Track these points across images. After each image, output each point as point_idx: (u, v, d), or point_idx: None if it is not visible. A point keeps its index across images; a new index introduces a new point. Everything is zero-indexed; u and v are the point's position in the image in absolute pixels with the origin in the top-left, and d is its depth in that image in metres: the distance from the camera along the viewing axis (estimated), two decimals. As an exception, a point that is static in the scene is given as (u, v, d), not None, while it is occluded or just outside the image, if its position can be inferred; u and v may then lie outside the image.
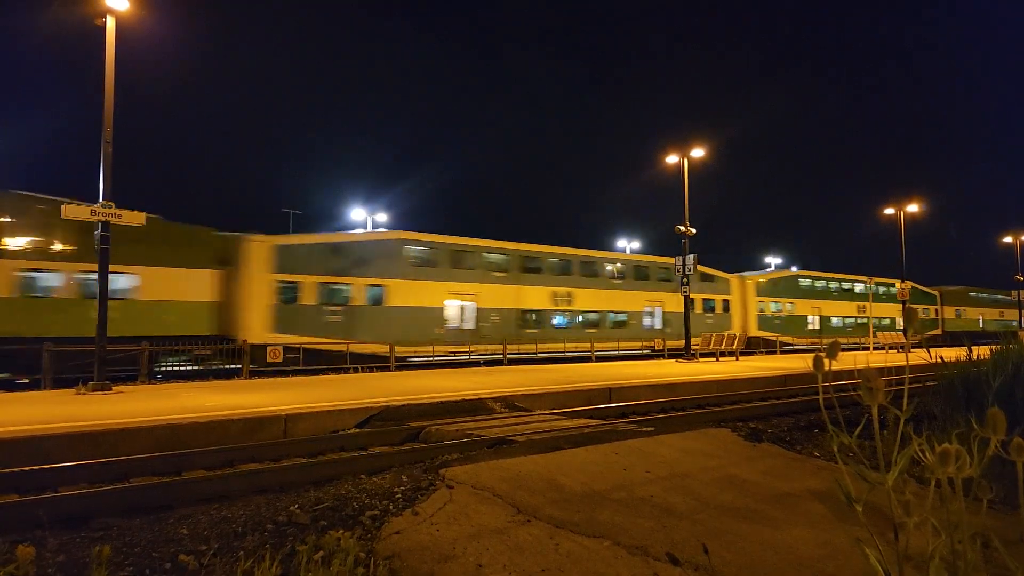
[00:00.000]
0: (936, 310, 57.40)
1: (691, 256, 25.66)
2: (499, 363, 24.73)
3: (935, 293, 57.57)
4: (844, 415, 1.82)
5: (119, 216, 13.42)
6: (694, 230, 26.22)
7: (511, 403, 11.49)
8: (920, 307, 54.74)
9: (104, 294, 13.30)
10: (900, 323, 50.32)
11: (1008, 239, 48.83)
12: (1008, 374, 5.74)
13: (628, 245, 52.11)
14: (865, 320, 48.03)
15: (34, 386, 15.76)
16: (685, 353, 25.74)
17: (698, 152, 26.52)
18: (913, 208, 37.59)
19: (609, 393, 13.13)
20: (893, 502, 1.55)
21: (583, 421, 9.63)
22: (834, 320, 47.55)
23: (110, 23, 13.47)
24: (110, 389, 12.76)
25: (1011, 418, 1.64)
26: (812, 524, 4.18)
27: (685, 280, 25.76)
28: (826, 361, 1.72)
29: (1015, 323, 65.02)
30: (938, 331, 55.88)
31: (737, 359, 25.76)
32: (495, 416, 10.18)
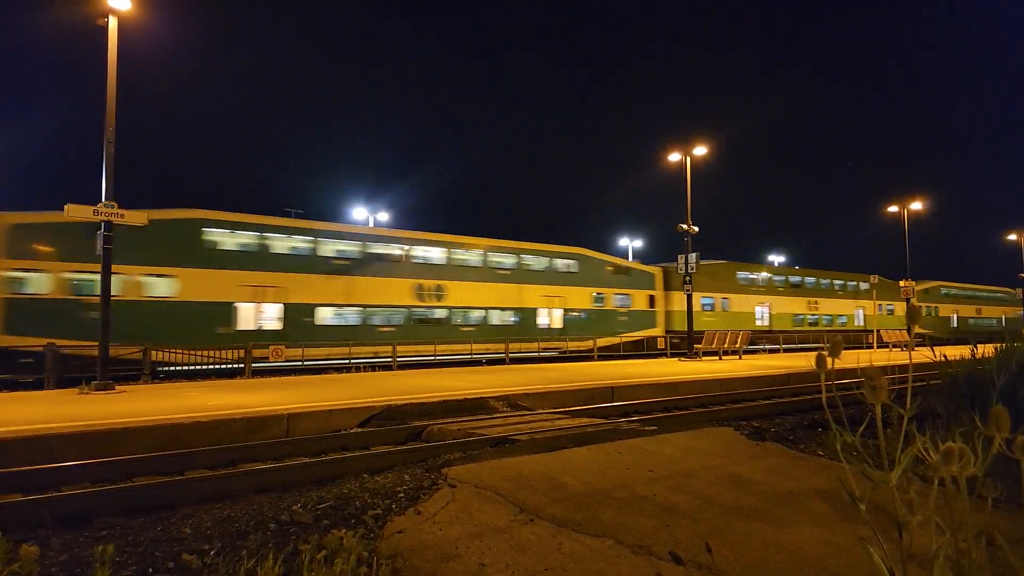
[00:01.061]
0: (651, 297, 36.71)
1: (693, 255, 25.64)
2: (501, 362, 24.75)
3: (653, 272, 37.33)
4: (847, 414, 1.81)
5: (121, 216, 13.44)
6: (696, 228, 26.21)
7: (513, 402, 11.49)
8: (597, 290, 33.92)
9: (107, 295, 13.31)
10: (547, 319, 31.91)
11: (1012, 236, 48.60)
12: (1012, 372, 5.73)
13: (631, 244, 52.00)
14: (442, 313, 28.40)
15: (37, 385, 15.81)
16: (688, 352, 25.74)
17: (700, 150, 26.48)
18: (917, 206, 37.49)
19: (611, 392, 13.12)
20: (897, 501, 1.54)
21: (585, 420, 9.62)
22: (370, 315, 26.50)
23: (112, 23, 13.48)
24: (113, 389, 12.79)
25: (1015, 416, 1.63)
26: (816, 523, 4.17)
27: (688, 279, 25.76)
28: (829, 360, 1.71)
29: (845, 319, 47.81)
30: (654, 331, 35.86)
31: (740, 358, 25.74)
32: (497, 415, 10.17)
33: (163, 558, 3.94)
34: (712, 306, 39.42)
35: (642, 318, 35.77)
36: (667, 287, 37.14)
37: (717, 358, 25.21)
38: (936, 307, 55.13)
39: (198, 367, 19.40)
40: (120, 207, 13.48)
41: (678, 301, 36.07)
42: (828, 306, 47.23)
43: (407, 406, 10.25)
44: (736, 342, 26.68)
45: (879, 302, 46.77)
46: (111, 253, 13.43)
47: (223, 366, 19.32)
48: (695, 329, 26.32)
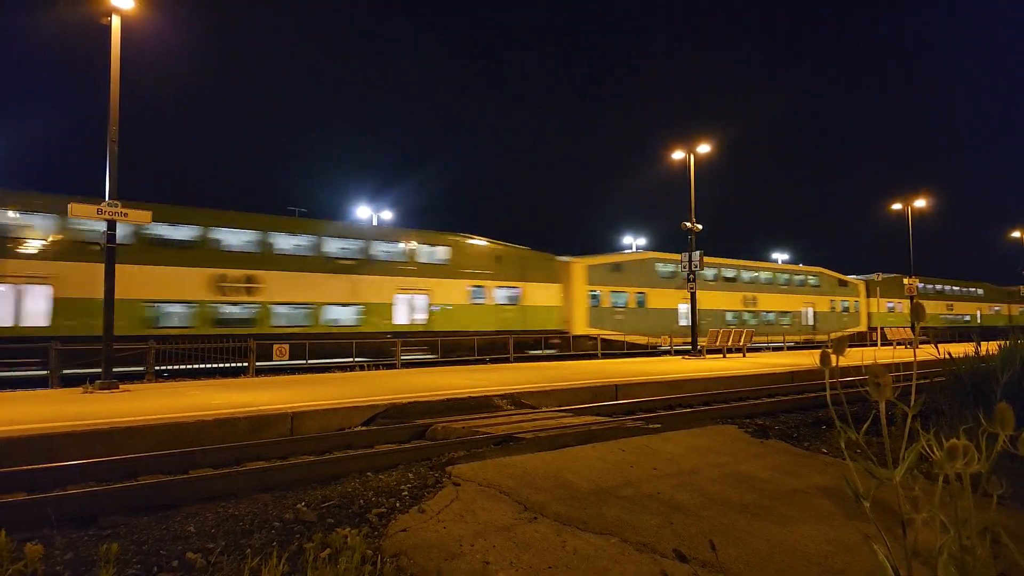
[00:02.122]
0: None
1: (697, 252, 25.60)
2: (505, 360, 24.76)
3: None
4: (852, 411, 1.80)
5: (125, 215, 13.46)
6: (700, 226, 26.15)
7: (517, 400, 11.49)
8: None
9: (110, 294, 13.34)
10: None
11: (1016, 234, 48.47)
12: (1016, 369, 5.71)
13: (634, 242, 51.89)
14: None
15: (41, 384, 15.86)
16: (692, 350, 25.72)
17: (704, 147, 26.42)
18: (921, 203, 37.39)
19: (615, 390, 13.11)
20: (901, 498, 1.54)
21: (589, 418, 9.62)
22: None
23: (115, 22, 13.50)
24: (117, 388, 12.82)
25: (1019, 413, 1.63)
26: (820, 520, 4.17)
27: (692, 277, 25.71)
28: (833, 357, 1.71)
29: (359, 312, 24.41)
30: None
31: (744, 356, 25.72)
32: (501, 413, 10.18)
33: (167, 556, 3.95)
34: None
35: None
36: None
37: (721, 356, 25.19)
38: (644, 294, 34.35)
39: (202, 366, 19.45)
40: (123, 206, 13.51)
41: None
42: (330, 287, 24.58)
43: (411, 404, 10.25)
44: (740, 340, 26.68)
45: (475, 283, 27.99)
46: (115, 252, 13.45)
47: (227, 365, 19.39)
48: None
